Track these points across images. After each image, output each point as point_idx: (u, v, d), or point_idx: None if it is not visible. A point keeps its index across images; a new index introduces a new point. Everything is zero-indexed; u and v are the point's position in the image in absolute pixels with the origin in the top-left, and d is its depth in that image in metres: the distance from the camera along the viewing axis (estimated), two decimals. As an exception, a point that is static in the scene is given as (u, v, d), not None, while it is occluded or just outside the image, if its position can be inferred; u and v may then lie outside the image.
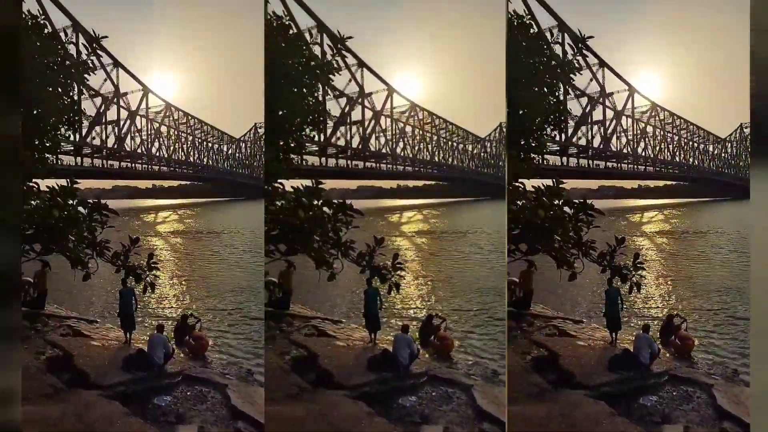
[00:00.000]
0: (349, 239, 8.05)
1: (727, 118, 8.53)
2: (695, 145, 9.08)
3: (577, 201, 8.10)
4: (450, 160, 8.93)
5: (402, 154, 8.79)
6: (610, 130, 8.82)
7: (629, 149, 8.93)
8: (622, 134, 8.89)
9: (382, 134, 8.76)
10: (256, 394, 7.74)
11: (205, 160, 8.99)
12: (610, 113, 8.77)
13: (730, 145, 8.97)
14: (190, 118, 8.78)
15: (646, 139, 8.93)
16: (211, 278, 8.24)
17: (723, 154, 9.05)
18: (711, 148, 9.09)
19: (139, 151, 8.75)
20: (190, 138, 8.89)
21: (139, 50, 8.17)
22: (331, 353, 7.98)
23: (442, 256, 8.29)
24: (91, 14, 8.06)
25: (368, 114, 8.67)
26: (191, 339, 8.02)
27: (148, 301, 8.15)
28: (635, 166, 8.93)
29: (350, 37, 8.19)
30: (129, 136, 8.68)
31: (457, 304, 8.11)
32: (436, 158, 8.87)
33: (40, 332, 8.00)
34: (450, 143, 8.88)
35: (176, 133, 8.81)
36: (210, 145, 8.97)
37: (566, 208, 8.09)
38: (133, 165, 8.73)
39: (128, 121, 8.63)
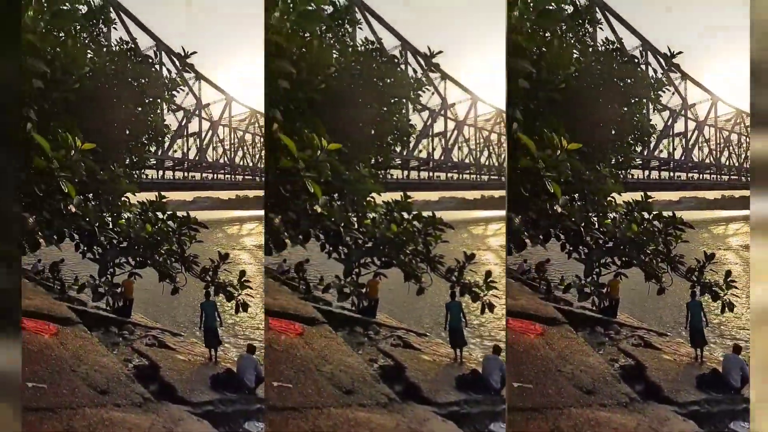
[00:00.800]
0: (437, 253, 8.03)
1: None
2: (787, 150, 8.96)
3: (666, 215, 8.08)
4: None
5: (487, 163, 8.67)
6: (691, 142, 8.74)
7: (711, 159, 8.85)
8: (704, 144, 8.80)
9: (464, 144, 8.68)
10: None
11: (297, 165, 8.87)
12: (692, 124, 8.69)
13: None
14: (280, 122, 8.66)
15: (730, 147, 8.84)
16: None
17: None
18: (808, 152, 8.93)
19: (221, 161, 8.68)
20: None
21: (221, 59, 8.12)
22: (417, 366, 7.94)
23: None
24: (173, 30, 8.00)
25: (450, 125, 8.58)
26: (285, 363, 7.89)
27: (238, 319, 8.05)
28: (718, 176, 8.85)
29: (440, 52, 8.13)
30: (211, 147, 8.61)
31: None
32: (527, 166, 8.71)
33: (127, 340, 7.95)
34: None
35: (262, 140, 8.70)
36: (303, 149, 8.83)
37: (655, 222, 8.09)
38: (215, 175, 8.67)
39: (210, 132, 8.56)
